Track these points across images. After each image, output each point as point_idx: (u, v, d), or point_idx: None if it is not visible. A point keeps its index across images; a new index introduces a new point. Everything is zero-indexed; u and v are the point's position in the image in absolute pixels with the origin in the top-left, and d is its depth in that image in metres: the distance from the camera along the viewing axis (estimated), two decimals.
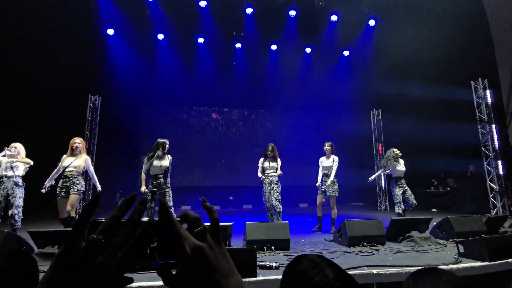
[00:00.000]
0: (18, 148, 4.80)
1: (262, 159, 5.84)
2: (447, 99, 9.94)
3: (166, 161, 4.95)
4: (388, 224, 4.57)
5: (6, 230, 3.57)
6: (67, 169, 4.53)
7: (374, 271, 2.88)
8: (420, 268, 0.99)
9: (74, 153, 4.67)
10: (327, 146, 6.16)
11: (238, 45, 11.59)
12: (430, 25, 9.56)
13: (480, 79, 8.90)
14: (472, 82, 9.03)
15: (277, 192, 5.55)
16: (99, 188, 4.86)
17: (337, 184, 5.97)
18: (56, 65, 9.52)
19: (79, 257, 0.35)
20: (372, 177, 6.72)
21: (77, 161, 4.59)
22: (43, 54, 9.15)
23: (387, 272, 2.90)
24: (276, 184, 5.61)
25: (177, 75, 12.03)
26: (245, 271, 2.77)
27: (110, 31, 10.38)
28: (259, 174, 5.79)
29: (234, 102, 14.00)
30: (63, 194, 4.45)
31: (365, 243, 4.10)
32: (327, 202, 6.19)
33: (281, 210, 5.46)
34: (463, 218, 4.79)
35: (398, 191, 5.91)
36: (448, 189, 10.13)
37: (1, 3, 7.83)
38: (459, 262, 3.19)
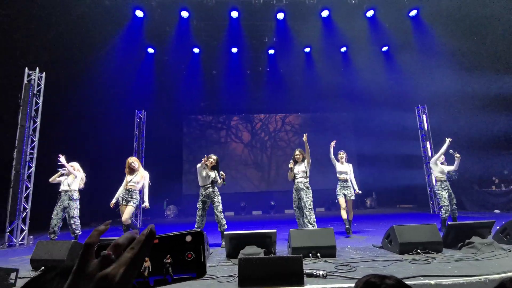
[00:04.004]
0: (75, 166, 5.61)
1: (291, 164, 5.69)
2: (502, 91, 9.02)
3: (213, 173, 5.38)
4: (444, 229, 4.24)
5: (73, 240, 4.04)
6: (129, 184, 5.24)
7: (432, 282, 2.68)
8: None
9: (132, 171, 5.30)
10: (342, 155, 6.30)
11: (271, 51, 11.67)
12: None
13: None
14: None
15: (309, 199, 5.32)
16: (146, 203, 5.28)
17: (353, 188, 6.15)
18: (105, 84, 10.38)
19: (90, 272, 0.40)
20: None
21: (136, 177, 5.27)
22: (94, 76, 10.03)
23: (447, 283, 2.68)
24: (304, 191, 5.38)
25: (214, 85, 12.46)
26: (292, 280, 2.75)
27: (151, 50, 11.09)
28: (289, 179, 5.78)
29: (271, 107, 14.11)
30: (124, 203, 5.20)
31: (418, 250, 3.84)
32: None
33: (315, 220, 5.21)
34: None
35: (444, 193, 5.65)
36: None
37: (60, 29, 8.75)
38: None
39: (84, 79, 9.84)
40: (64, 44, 8.93)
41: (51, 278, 0.57)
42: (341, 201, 6.02)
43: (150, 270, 0.47)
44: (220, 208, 5.28)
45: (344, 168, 6.16)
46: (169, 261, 0.47)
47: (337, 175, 6.22)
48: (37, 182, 6.94)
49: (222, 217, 5.22)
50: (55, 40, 8.78)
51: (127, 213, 5.08)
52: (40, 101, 7.23)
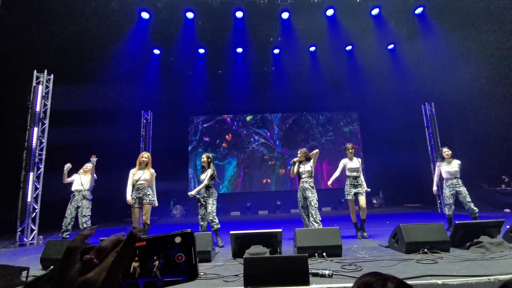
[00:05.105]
0: (90, 167, 5.77)
1: (297, 164, 5.60)
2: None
3: (204, 175, 5.36)
4: (452, 228, 4.18)
5: (66, 247, 4.08)
6: (138, 182, 4.99)
7: (439, 282, 2.65)
8: None
9: (141, 167, 5.14)
10: (350, 149, 5.82)
11: (276, 51, 11.66)
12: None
13: None
14: None
15: (314, 198, 5.23)
16: (155, 201, 5.23)
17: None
18: (111, 85, 10.51)
19: (71, 277, 0.39)
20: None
21: (145, 174, 5.05)
22: (99, 77, 10.15)
23: (455, 283, 2.65)
24: (310, 190, 5.29)
25: (219, 85, 12.51)
26: (298, 279, 2.75)
27: (156, 51, 11.18)
28: (292, 176, 5.69)
29: (277, 106, 14.12)
30: (136, 205, 4.93)
31: (425, 250, 3.80)
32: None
33: (320, 219, 5.14)
34: None
35: (447, 192, 5.64)
36: None
37: (67, 31, 8.89)
38: None
39: (91, 80, 9.97)
40: (72, 47, 9.08)
41: (42, 284, 0.58)
42: (351, 202, 5.67)
43: (139, 271, 0.46)
44: (211, 209, 5.16)
45: (355, 164, 5.72)
46: (156, 263, 0.46)
47: (347, 173, 5.76)
48: (45, 183, 7.07)
49: (212, 218, 5.13)
50: (63, 42, 8.92)
51: (146, 212, 4.95)
52: (49, 103, 7.35)
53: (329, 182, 5.85)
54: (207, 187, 5.29)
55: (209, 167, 5.39)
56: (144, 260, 0.46)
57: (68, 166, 5.58)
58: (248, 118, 14.36)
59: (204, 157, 5.45)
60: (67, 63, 9.06)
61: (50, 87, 7.45)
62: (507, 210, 8.83)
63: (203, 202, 5.28)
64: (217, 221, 5.19)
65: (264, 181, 13.80)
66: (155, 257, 0.46)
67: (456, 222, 4.27)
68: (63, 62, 8.91)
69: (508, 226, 4.38)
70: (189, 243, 0.47)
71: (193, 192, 5.32)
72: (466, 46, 9.59)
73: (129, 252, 0.42)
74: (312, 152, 5.51)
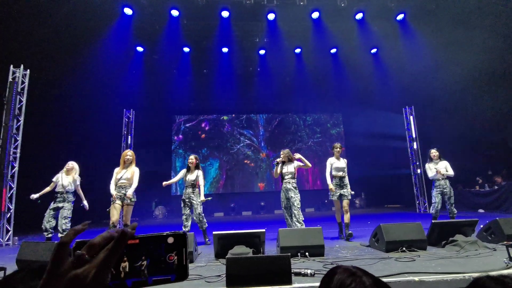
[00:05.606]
0: (74, 166, 5.51)
1: (280, 165, 5.58)
2: (487, 91, 9.28)
3: (193, 175, 5.45)
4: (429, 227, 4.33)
5: (57, 241, 3.92)
6: (120, 181, 4.93)
7: (416, 279, 2.73)
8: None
9: (125, 165, 5.03)
10: (338, 148, 5.69)
11: (262, 52, 11.70)
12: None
13: None
14: None
15: (297, 199, 5.24)
16: (129, 193, 5.04)
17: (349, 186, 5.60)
18: (92, 82, 10.19)
19: (62, 272, 0.39)
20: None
21: (127, 173, 4.97)
22: (79, 72, 9.81)
23: (431, 280, 2.73)
24: (293, 191, 5.29)
25: (204, 85, 12.40)
26: (280, 279, 2.76)
27: (140, 49, 10.96)
28: (275, 176, 5.69)
29: (262, 107, 14.15)
30: (117, 202, 4.85)
31: (404, 248, 3.91)
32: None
33: (303, 219, 5.16)
34: None
35: (434, 192, 5.82)
36: (496, 187, 9.37)
37: (46, 25, 8.54)
38: (511, 267, 2.94)
39: (71, 77, 9.64)
40: (51, 42, 8.74)
41: (21, 277, 0.56)
42: (337, 202, 5.53)
43: (128, 271, 0.46)
44: (199, 210, 5.29)
45: (341, 164, 5.58)
46: (144, 263, 0.46)
47: (333, 173, 5.59)
48: (20, 182, 6.77)
49: (201, 219, 5.30)
50: (42, 37, 8.58)
51: (127, 213, 4.89)
52: (24, 99, 7.05)
53: (330, 186, 5.55)
54: (193, 187, 5.41)
55: (197, 168, 5.54)
56: (135, 258, 0.47)
57: (33, 196, 5.36)
58: (225, 117, 14.26)
59: (193, 158, 5.56)
60: (45, 59, 8.72)
61: (26, 83, 7.15)
62: (481, 211, 9.22)
63: (188, 202, 5.33)
64: (205, 221, 5.39)
65: (248, 182, 13.78)
66: (144, 256, 0.47)
67: (433, 221, 4.41)
68: (41, 58, 8.56)
69: (482, 226, 4.57)
70: (181, 244, 0.48)
71: (203, 198, 5.43)
72: (443, 52, 9.96)
73: (119, 249, 0.42)
74: (299, 164, 5.53)
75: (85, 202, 5.54)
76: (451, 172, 5.71)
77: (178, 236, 0.49)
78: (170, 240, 0.48)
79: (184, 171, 5.62)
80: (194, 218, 5.33)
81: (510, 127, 8.89)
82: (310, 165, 5.53)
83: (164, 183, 5.51)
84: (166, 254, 0.47)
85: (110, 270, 0.41)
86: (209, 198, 5.51)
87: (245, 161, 13.88)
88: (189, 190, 5.38)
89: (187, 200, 5.34)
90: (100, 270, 0.39)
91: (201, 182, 5.47)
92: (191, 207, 5.35)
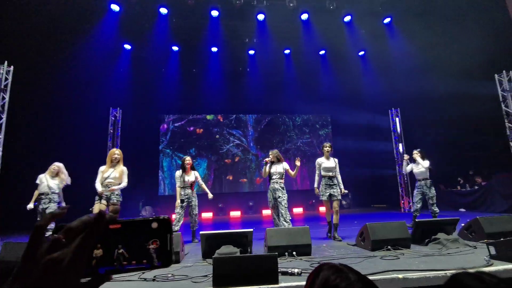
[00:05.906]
0: (60, 167, 5.38)
1: (268, 165, 5.55)
2: (470, 93, 9.55)
3: (191, 176, 5.64)
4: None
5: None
6: (107, 180, 4.77)
7: (400, 276, 2.80)
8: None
9: (112, 164, 4.88)
10: (328, 148, 5.63)
11: (252, 52, 11.71)
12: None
13: (504, 71, 8.53)
14: (496, 75, 8.66)
15: (285, 199, 5.26)
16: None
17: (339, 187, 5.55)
18: (78, 80, 9.96)
19: (38, 256, 0.38)
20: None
21: (115, 173, 4.82)
22: (64, 66, 9.56)
23: (414, 277, 2.81)
24: (280, 191, 5.33)
25: (192, 84, 12.31)
26: (267, 278, 2.77)
27: (127, 46, 10.78)
28: (264, 176, 5.65)
29: (251, 107, 14.13)
30: (103, 201, 4.68)
31: (389, 247, 3.99)
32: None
33: (290, 218, 5.19)
34: (493, 218, 4.54)
35: (415, 192, 6.13)
36: (476, 187, 9.68)
37: (31, 21, 8.30)
38: (491, 265, 3.05)
39: (56, 74, 9.40)
40: (35, 38, 8.50)
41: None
42: (326, 203, 5.48)
43: (101, 258, 0.44)
44: (196, 211, 5.58)
45: (331, 164, 5.51)
46: (121, 250, 0.45)
47: (322, 173, 5.51)
48: (2, 183, 6.56)
49: (196, 219, 5.60)
50: (26, 33, 8.33)
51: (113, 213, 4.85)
52: (7, 96, 6.84)
53: (317, 191, 5.58)
54: (192, 187, 5.61)
55: (193, 169, 5.76)
56: (112, 244, 0.45)
57: (29, 207, 5.23)
58: (209, 117, 14.17)
59: (189, 159, 5.73)
60: (29, 55, 8.46)
61: (10, 80, 6.94)
62: (462, 210, 9.51)
63: (186, 203, 5.50)
64: (197, 223, 5.70)
65: (238, 181, 13.75)
66: (122, 243, 0.45)
67: (417, 220, 4.53)
68: (25, 55, 8.31)
69: (463, 224, 4.72)
70: (165, 229, 0.47)
71: (211, 195, 5.84)
72: (430, 54, 10.21)
73: (96, 233, 0.41)
74: (288, 169, 5.58)
75: (63, 203, 5.41)
76: (423, 163, 5.96)
77: (162, 221, 0.47)
78: (154, 225, 0.47)
79: (179, 173, 5.64)
80: (190, 218, 5.57)
81: (492, 128, 9.18)
82: (294, 176, 5.58)
83: (177, 203, 5.49)
84: (149, 239, 0.46)
85: (86, 254, 0.40)
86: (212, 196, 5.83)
87: (235, 160, 13.84)
88: (189, 190, 5.56)
89: (186, 200, 5.50)
90: (75, 253, 0.39)
91: (201, 181, 5.78)
92: (187, 207, 5.55)
